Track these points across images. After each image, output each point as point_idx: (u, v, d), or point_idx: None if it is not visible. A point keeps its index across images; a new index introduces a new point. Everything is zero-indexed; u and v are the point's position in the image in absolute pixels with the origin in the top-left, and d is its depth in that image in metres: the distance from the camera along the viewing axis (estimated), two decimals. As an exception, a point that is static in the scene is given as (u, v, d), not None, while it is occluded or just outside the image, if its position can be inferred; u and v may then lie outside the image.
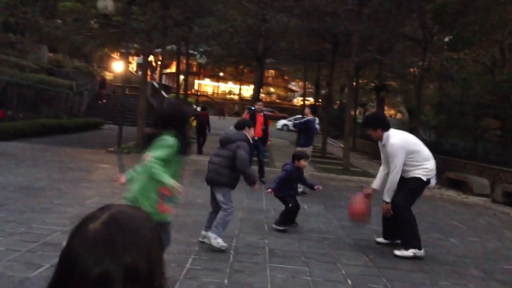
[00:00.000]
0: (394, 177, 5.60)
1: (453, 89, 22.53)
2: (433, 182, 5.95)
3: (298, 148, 9.60)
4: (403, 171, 5.68)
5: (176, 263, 4.49)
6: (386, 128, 5.76)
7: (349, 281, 4.50)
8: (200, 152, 15.65)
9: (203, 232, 5.35)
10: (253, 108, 10.95)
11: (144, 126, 15.71)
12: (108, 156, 13.07)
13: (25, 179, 8.17)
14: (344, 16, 16.38)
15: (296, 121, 10.13)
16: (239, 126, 5.48)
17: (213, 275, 4.32)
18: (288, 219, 6.42)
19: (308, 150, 9.69)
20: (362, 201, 5.92)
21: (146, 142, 3.84)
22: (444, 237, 6.94)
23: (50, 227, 5.27)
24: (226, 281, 4.20)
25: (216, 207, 5.30)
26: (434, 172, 5.81)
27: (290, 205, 6.37)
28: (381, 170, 6.15)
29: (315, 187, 6.76)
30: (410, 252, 5.47)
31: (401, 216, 5.64)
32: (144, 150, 3.78)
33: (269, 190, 6.50)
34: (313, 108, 10.37)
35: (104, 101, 27.59)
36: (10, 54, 22.07)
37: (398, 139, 5.67)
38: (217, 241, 5.07)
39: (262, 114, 10.69)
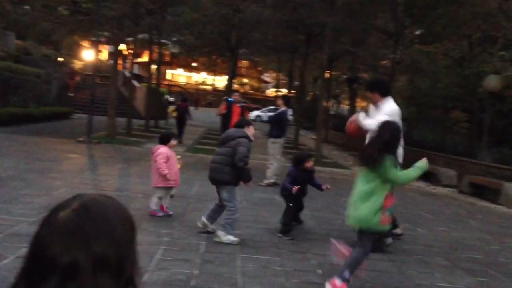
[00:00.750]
0: (373, 124, 5.15)
1: (423, 82, 22.91)
2: None
3: (271, 140, 9.63)
4: None
5: (146, 253, 4.45)
6: (384, 93, 5.75)
7: (319, 271, 4.55)
8: (179, 141, 15.79)
9: (203, 219, 5.41)
10: (230, 99, 10.92)
11: (114, 115, 15.48)
12: (78, 146, 12.84)
13: (-9, 169, 7.96)
14: (317, 7, 16.43)
15: (271, 114, 10.12)
16: (239, 125, 5.55)
17: (183, 265, 4.30)
18: (291, 220, 6.03)
19: (281, 141, 9.73)
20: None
21: (366, 160, 4.05)
22: (412, 227, 7.08)
23: (16, 217, 5.15)
24: (196, 271, 4.19)
25: (221, 200, 5.37)
26: None
27: (290, 204, 6.02)
28: None
29: (323, 186, 6.32)
30: None
31: None
32: (363, 166, 4.07)
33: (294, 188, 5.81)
34: (286, 99, 10.36)
35: (71, 94, 26.71)
36: (-25, 40, 21.36)
37: (395, 107, 5.77)
38: (228, 238, 5.13)
39: (239, 105, 10.69)
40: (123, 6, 14.94)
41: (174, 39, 26.70)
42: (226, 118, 10.52)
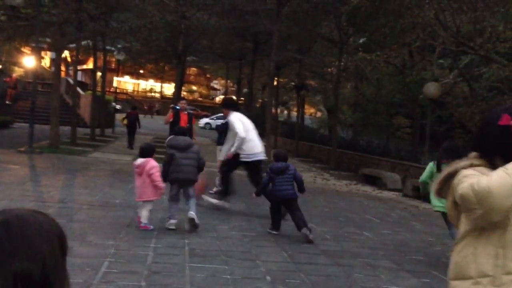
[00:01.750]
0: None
1: (367, 88, 23.61)
2: None
3: (219, 147, 9.65)
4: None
5: (91, 267, 4.31)
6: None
7: (268, 278, 4.56)
8: (131, 147, 16.95)
9: (190, 215, 6.03)
10: (177, 107, 10.87)
11: (57, 124, 14.97)
12: (19, 157, 12.30)
13: None
14: (264, 15, 16.61)
15: (219, 125, 10.22)
16: (181, 133, 6.59)
17: (130, 278, 4.20)
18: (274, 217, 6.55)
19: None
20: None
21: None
22: (359, 231, 7.24)
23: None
24: (143, 283, 4.09)
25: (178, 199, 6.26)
26: None
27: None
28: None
29: None
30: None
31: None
32: None
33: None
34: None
35: (9, 102, 25.43)
36: None
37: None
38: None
39: (186, 112, 10.66)
40: (64, 11, 14.50)
41: (119, 45, 26.18)
42: (173, 126, 10.40)
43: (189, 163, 6.11)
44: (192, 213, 6.04)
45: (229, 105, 8.21)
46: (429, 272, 5.31)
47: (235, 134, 7.48)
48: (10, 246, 0.84)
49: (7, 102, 24.89)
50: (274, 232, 6.40)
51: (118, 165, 12.87)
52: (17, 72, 31.96)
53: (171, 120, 10.60)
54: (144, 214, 5.97)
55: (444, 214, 5.29)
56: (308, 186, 12.60)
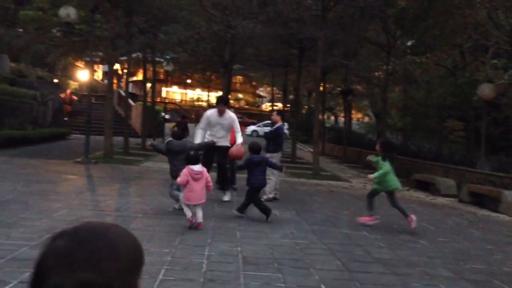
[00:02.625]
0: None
1: (417, 92, 23.07)
2: None
3: (268, 154, 9.69)
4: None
5: (149, 274, 4.42)
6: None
7: (323, 286, 4.52)
8: None
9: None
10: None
11: (111, 135, 15.48)
12: (76, 167, 12.80)
13: (-11, 193, 7.91)
14: (309, 21, 16.57)
15: (267, 132, 10.31)
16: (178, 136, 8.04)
17: (186, 285, 4.27)
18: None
19: (278, 156, 9.80)
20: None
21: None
22: (414, 239, 7.07)
23: (17, 242, 5.11)
24: (200, 291, 4.16)
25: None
26: None
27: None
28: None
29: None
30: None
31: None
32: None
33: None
34: (281, 113, 10.50)
35: (66, 119, 26.32)
36: (-31, 64, 21.39)
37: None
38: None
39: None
40: (115, 26, 15.02)
41: (168, 57, 26.80)
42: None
43: (181, 163, 7.17)
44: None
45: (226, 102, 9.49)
46: (491, 282, 5.12)
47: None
48: (75, 256, 0.86)
49: (65, 119, 25.77)
50: (239, 214, 7.51)
51: (169, 174, 13.13)
52: (72, 85, 33.23)
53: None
54: (200, 215, 6.59)
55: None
56: (358, 193, 12.46)
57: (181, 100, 61.91)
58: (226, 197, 9.15)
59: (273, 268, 4.97)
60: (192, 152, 6.96)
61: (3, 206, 6.95)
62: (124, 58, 21.62)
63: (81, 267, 0.85)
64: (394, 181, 7.68)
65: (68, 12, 13.66)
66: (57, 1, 16.63)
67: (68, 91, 27.44)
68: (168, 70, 27.63)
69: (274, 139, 9.80)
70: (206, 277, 4.53)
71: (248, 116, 56.80)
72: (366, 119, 44.39)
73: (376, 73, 26.45)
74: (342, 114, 39.64)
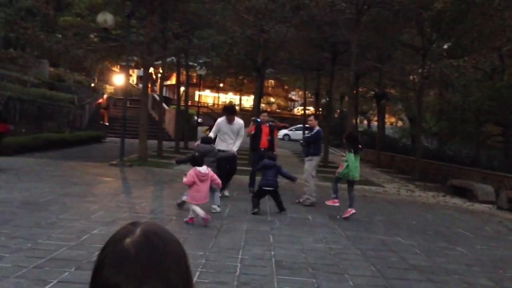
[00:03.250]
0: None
1: (453, 96, 22.57)
2: None
3: (308, 158, 9.72)
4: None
5: (184, 277, 4.45)
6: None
7: (358, 292, 4.47)
8: None
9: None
10: (258, 120, 11.09)
11: (146, 138, 15.74)
12: (111, 170, 13.07)
13: (30, 194, 8.17)
14: (342, 25, 16.46)
15: (308, 136, 10.27)
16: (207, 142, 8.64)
17: (221, 288, 4.30)
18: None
19: (317, 159, 9.88)
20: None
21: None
22: (451, 246, 6.91)
23: (56, 242, 5.26)
24: (234, 294, 4.18)
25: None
26: None
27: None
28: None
29: None
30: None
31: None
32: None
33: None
34: (318, 118, 10.64)
35: (107, 123, 26.69)
36: (11, 69, 22.14)
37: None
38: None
39: (267, 125, 10.81)
40: (151, 31, 15.28)
41: (201, 61, 27.09)
42: (255, 138, 10.71)
43: (210, 164, 7.69)
44: (214, 206, 7.78)
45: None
46: (532, 292, 4.95)
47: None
48: (144, 266, 0.83)
49: (105, 123, 26.22)
50: (255, 210, 8.14)
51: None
52: (108, 89, 33.95)
53: (252, 132, 10.78)
54: (201, 211, 6.82)
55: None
56: (392, 198, 12.28)
57: (213, 104, 62.39)
58: (226, 192, 9.92)
59: (307, 273, 4.95)
60: (197, 154, 7.32)
61: (43, 207, 7.16)
62: (159, 62, 21.95)
63: (150, 277, 0.83)
64: (352, 172, 8.38)
65: (106, 18, 13.98)
66: (95, 7, 17.05)
67: (105, 96, 28.00)
68: (201, 74, 27.90)
69: (313, 143, 9.88)
70: (240, 281, 4.54)
71: (280, 120, 56.72)
72: (400, 123, 43.67)
73: (411, 77, 26.03)
74: (375, 118, 39.16)
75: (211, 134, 9.86)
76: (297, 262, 5.33)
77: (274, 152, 9.44)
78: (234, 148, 9.73)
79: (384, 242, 6.76)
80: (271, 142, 10.61)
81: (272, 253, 5.64)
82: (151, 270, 0.83)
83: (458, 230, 8.38)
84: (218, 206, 7.93)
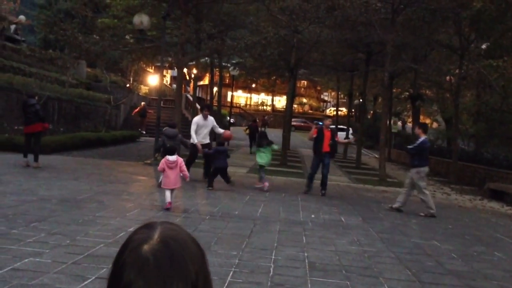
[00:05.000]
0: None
1: (491, 97, 21.96)
2: None
3: (414, 170, 9.50)
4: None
5: (218, 276, 4.50)
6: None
7: (393, 296, 4.41)
8: (251, 152, 20.94)
9: None
10: (320, 123, 11.38)
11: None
12: (145, 169, 13.28)
13: (67, 191, 8.39)
14: (378, 25, 16.23)
15: (410, 146, 9.94)
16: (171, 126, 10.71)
17: (254, 288, 4.31)
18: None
19: (424, 170, 9.47)
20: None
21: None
22: (489, 251, 6.73)
23: (94, 239, 5.38)
24: (268, 294, 4.18)
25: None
26: None
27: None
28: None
29: None
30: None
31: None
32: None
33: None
34: (424, 126, 10.15)
35: (144, 132, 26.51)
36: (50, 69, 22.79)
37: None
38: None
39: (329, 129, 11.10)
40: (186, 32, 15.45)
41: (234, 61, 27.23)
42: (317, 142, 10.98)
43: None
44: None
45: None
46: None
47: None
48: (164, 273, 0.81)
49: (142, 131, 26.39)
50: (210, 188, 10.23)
51: (233, 177, 13.30)
52: (143, 90, 34.49)
53: (314, 136, 11.06)
54: (169, 196, 7.56)
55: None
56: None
57: (245, 104, 62.59)
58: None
59: (341, 275, 4.91)
60: (168, 144, 8.48)
61: (81, 205, 7.34)
62: (193, 63, 22.17)
63: (171, 283, 0.81)
64: (261, 159, 11.24)
65: (142, 19, 14.22)
66: (132, 9, 17.36)
67: (143, 104, 28.27)
68: (234, 75, 28.05)
69: (418, 154, 9.49)
70: (274, 281, 4.54)
71: (312, 121, 56.46)
72: (435, 124, 42.78)
73: (447, 77, 25.47)
74: (410, 120, 38.47)
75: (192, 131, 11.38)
76: (331, 264, 5.30)
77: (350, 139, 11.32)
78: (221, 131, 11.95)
79: (420, 246, 6.64)
80: (333, 146, 10.93)
81: (305, 254, 5.62)
82: (171, 276, 0.81)
83: (496, 235, 8.15)
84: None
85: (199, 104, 30.34)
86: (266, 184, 11.05)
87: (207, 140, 11.68)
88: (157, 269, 0.81)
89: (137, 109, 27.62)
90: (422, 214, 9.46)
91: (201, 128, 11.48)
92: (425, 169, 9.53)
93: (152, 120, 27.21)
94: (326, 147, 10.79)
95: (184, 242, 0.86)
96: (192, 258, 0.85)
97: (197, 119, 11.72)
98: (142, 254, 0.82)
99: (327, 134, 10.88)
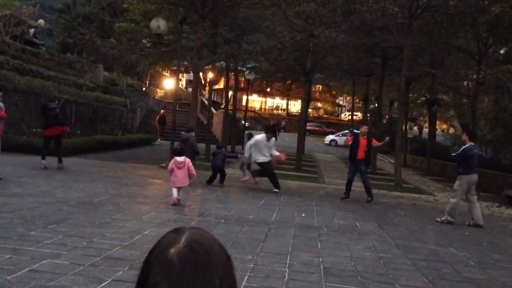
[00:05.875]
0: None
1: (510, 102, 21.67)
2: None
3: (459, 177, 9.24)
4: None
5: (233, 280, 4.49)
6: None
7: (409, 303, 4.37)
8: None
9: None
10: (356, 130, 11.53)
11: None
12: (161, 172, 13.36)
13: (84, 194, 8.48)
14: (394, 30, 16.16)
15: (454, 154, 9.63)
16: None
17: (269, 293, 4.30)
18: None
19: (467, 178, 9.13)
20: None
21: None
22: (507, 259, 6.64)
23: (110, 241, 5.43)
24: (283, 300, 4.17)
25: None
26: None
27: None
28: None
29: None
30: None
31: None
32: None
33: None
34: (470, 133, 9.78)
35: (159, 139, 26.14)
36: (68, 73, 23.09)
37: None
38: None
39: (365, 137, 11.18)
40: (202, 36, 15.55)
41: (250, 65, 27.29)
42: (353, 149, 11.11)
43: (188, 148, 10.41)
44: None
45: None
46: None
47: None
48: (189, 279, 0.83)
49: (158, 138, 26.32)
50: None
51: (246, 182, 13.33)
52: (159, 93, 34.72)
53: (350, 142, 11.25)
54: (180, 194, 8.35)
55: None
56: (443, 207, 11.88)
57: (260, 108, 62.64)
58: (275, 189, 11.40)
59: (356, 281, 4.88)
60: (177, 147, 9.33)
61: (97, 207, 7.42)
62: (208, 67, 22.26)
63: (215, 275, 0.83)
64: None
65: (159, 23, 14.34)
66: (149, 13, 17.53)
67: (162, 111, 28.23)
68: (249, 79, 28.10)
69: (463, 161, 9.16)
70: (289, 286, 4.54)
71: (326, 125, 56.29)
72: (452, 130, 42.32)
73: (465, 83, 25.21)
74: (426, 125, 38.12)
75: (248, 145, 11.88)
76: (346, 270, 5.27)
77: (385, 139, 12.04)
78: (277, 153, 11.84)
79: (436, 253, 6.58)
80: (368, 153, 11.10)
81: (320, 259, 5.60)
82: (195, 280, 0.82)
83: (515, 243, 8.04)
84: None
85: (214, 108, 30.47)
86: (246, 177, 12.54)
87: (264, 158, 11.49)
88: (181, 272, 0.82)
89: (158, 117, 27.41)
90: (438, 219, 9.35)
91: (262, 149, 11.50)
92: (470, 177, 9.09)
93: (169, 125, 27.32)
94: (361, 154, 10.93)
95: (210, 248, 0.87)
96: (217, 264, 0.86)
97: (260, 137, 11.74)
98: (169, 257, 0.84)
99: (363, 141, 11.03)
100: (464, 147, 9.28)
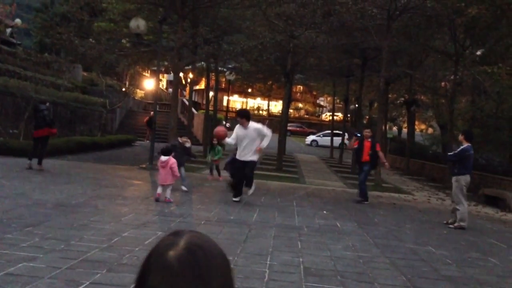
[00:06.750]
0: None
1: (486, 103, 22.07)
2: None
3: (454, 177, 9.26)
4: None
5: (212, 281, 4.48)
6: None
7: (388, 302, 4.41)
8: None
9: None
10: (358, 134, 12.21)
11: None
12: (140, 173, 13.26)
13: (62, 196, 8.36)
14: (373, 31, 16.31)
15: (450, 154, 9.52)
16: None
17: (249, 294, 4.30)
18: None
19: (463, 178, 9.13)
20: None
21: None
22: (483, 257, 6.75)
23: (88, 244, 5.36)
24: (262, 300, 4.17)
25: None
26: None
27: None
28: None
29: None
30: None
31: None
32: None
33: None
34: (467, 133, 9.73)
35: (148, 141, 26.00)
36: (46, 73, 22.73)
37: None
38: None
39: (369, 140, 11.59)
40: (182, 36, 15.47)
41: (230, 66, 27.26)
42: (358, 152, 11.64)
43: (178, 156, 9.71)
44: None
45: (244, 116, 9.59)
46: None
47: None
48: (210, 267, 0.84)
49: (147, 140, 25.65)
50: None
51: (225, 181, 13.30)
52: (139, 94, 34.45)
53: (355, 146, 11.81)
54: (168, 192, 8.74)
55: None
56: (422, 207, 12.08)
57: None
58: (251, 191, 9.84)
59: (336, 281, 4.91)
60: (165, 146, 9.40)
61: (75, 209, 7.31)
62: (189, 67, 22.16)
63: (214, 278, 0.83)
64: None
65: (138, 23, 14.23)
66: (128, 13, 17.37)
67: (152, 113, 27.68)
68: (230, 79, 28.07)
69: (459, 162, 9.15)
70: (269, 287, 4.54)
71: (307, 125, 56.58)
72: (430, 130, 42.91)
73: (443, 83, 25.60)
74: (405, 125, 38.59)
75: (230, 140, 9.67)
76: (326, 270, 5.30)
77: (386, 163, 12.23)
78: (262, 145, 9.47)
79: (415, 251, 6.66)
80: (373, 156, 11.42)
81: (301, 259, 5.62)
82: (194, 284, 0.82)
83: (491, 241, 8.18)
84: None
85: (195, 109, 30.38)
86: (209, 177, 13.20)
87: (249, 157, 9.32)
88: (180, 275, 0.82)
89: (147, 118, 26.84)
90: (451, 226, 9.05)
91: (241, 140, 9.39)
92: (465, 177, 9.10)
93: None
94: (365, 157, 11.43)
95: (209, 252, 0.87)
96: (216, 268, 0.85)
97: (236, 128, 9.64)
98: (168, 260, 0.84)
99: (367, 144, 11.49)
100: (462, 147, 9.20)
